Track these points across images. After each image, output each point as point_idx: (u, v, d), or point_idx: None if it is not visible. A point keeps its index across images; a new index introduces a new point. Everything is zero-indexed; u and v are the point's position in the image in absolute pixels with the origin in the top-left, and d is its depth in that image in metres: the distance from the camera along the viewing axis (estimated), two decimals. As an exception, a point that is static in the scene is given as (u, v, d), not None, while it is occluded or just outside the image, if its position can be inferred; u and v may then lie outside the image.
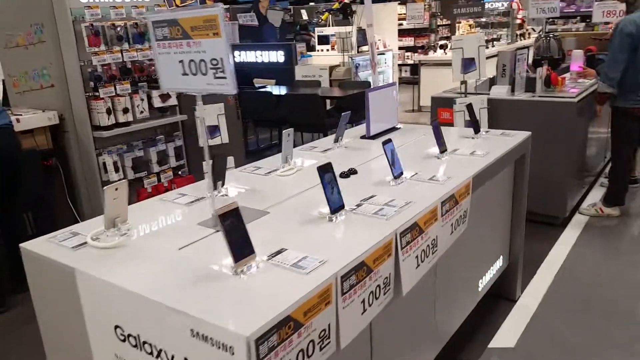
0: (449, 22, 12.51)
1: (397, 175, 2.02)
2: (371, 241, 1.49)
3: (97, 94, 3.60)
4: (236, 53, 8.91)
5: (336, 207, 1.68)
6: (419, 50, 12.16)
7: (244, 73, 6.82)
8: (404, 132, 3.00)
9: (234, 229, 1.34)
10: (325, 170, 1.67)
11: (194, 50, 1.50)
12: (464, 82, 3.94)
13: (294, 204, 1.89)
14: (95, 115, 3.65)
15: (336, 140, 2.69)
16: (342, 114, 2.61)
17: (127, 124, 3.80)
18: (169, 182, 4.16)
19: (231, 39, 9.24)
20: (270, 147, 7.04)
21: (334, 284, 1.31)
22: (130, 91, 3.78)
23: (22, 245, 1.62)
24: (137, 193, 3.96)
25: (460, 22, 10.21)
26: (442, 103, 4.16)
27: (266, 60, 8.61)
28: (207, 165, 1.71)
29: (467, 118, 2.91)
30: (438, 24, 12.52)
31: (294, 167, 2.31)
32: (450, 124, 3.92)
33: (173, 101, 4.13)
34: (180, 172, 4.24)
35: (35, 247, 1.60)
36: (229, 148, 4.40)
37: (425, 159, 2.38)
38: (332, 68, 8.05)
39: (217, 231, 1.62)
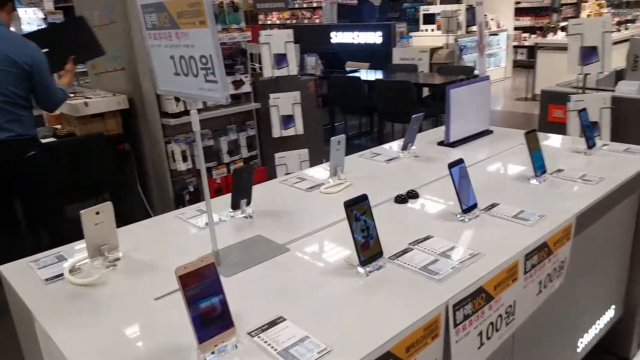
0: (574, 0, 11.07)
1: (467, 209, 1.53)
2: (406, 320, 1.05)
3: (164, 79, 3.41)
4: (332, 34, 8.53)
5: (367, 257, 1.25)
6: (538, 32, 10.92)
7: (334, 55, 6.42)
8: (495, 138, 2.44)
9: (203, 294, 0.97)
10: (353, 205, 1.24)
11: (183, 43, 1.14)
12: (582, 76, 3.22)
13: (322, 238, 1.48)
14: (164, 102, 3.48)
15: (405, 148, 2.21)
16: (413, 116, 2.13)
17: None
18: (238, 174, 3.92)
19: (329, 18, 8.88)
20: (359, 136, 6.63)
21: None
22: (199, 76, 3.55)
23: (1, 267, 1.39)
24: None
25: (587, 1, 8.92)
26: (554, 98, 3.48)
27: (362, 42, 8.14)
28: (205, 195, 1.33)
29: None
30: (562, 2, 11.15)
31: (344, 181, 1.89)
32: (563, 126, 3.24)
33: (246, 88, 3.86)
34: (252, 163, 3.99)
35: (10, 271, 1.37)
36: (304, 140, 4.09)
37: (514, 183, 1.84)
38: (433, 50, 7.39)
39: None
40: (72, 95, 3.64)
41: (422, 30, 9.32)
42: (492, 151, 2.21)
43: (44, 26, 5.37)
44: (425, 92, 6.06)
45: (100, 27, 3.62)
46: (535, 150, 1.82)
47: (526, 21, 12.02)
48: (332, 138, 1.88)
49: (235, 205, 1.64)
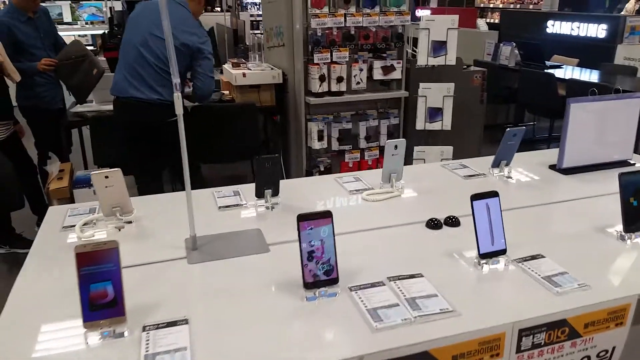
0: None
1: (487, 254, 1.24)
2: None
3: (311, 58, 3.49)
4: (549, 23, 7.59)
5: (312, 282, 1.12)
6: None
7: (535, 47, 5.72)
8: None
9: (97, 278, 1.00)
10: (308, 220, 1.11)
11: None
12: None
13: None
14: (310, 80, 3.58)
15: (496, 165, 1.87)
16: (507, 129, 1.78)
17: (339, 93, 3.61)
18: (374, 161, 3.85)
19: (549, 6, 7.92)
20: (548, 140, 5.84)
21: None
22: (347, 59, 3.54)
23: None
24: (339, 165, 3.81)
25: None
26: None
27: (582, 35, 7.07)
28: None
29: None
30: None
31: (394, 190, 1.71)
32: None
33: (396, 75, 3.71)
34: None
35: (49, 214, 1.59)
36: (454, 136, 3.78)
37: (588, 239, 1.42)
38: (670, 52, 6.03)
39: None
40: (241, 64, 4.01)
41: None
42: (608, 188, 1.73)
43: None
44: None
45: (271, 2, 3.86)
46: None
47: None
48: (387, 142, 1.70)
49: (259, 194, 1.62)
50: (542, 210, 1.59)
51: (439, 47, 3.53)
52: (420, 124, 3.68)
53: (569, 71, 5.43)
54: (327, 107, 3.64)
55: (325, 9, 3.42)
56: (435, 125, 3.70)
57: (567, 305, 1.09)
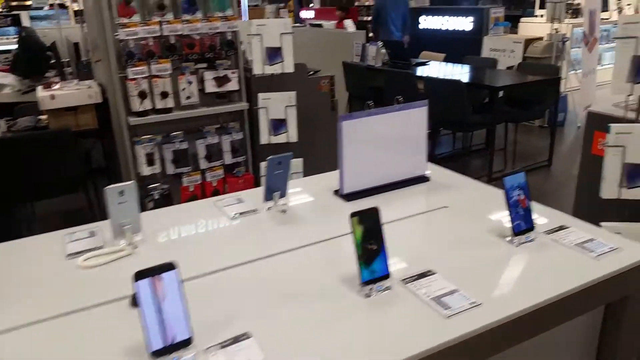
0: None
1: (159, 352, 0.92)
2: None
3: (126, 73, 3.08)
4: (422, 18, 7.62)
5: None
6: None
7: (397, 45, 5.62)
8: (429, 190, 1.69)
9: None
10: None
11: None
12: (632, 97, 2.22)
13: None
14: (129, 98, 3.16)
15: (269, 198, 1.57)
16: (269, 158, 1.48)
17: (166, 110, 3.22)
18: (220, 182, 3.49)
19: (421, 1, 7.97)
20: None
21: None
22: (171, 72, 3.15)
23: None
24: (180, 192, 3.41)
25: None
26: (603, 123, 2.50)
27: (451, 28, 7.14)
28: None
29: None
30: None
31: (125, 248, 1.35)
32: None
33: (233, 86, 3.38)
34: (235, 171, 3.53)
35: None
36: (306, 147, 3.50)
37: (329, 299, 1.14)
38: (529, 42, 6.20)
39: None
40: (53, 84, 3.50)
41: (535, 16, 8.01)
42: (396, 213, 1.48)
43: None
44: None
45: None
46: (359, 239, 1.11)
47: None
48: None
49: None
50: (297, 255, 1.30)
51: (274, 54, 3.23)
52: (264, 137, 3.37)
53: (433, 68, 5.37)
54: (154, 127, 3.23)
55: (137, 18, 3.02)
56: (281, 138, 3.41)
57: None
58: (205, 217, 1.53)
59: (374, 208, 1.13)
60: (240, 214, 1.52)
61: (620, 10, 8.12)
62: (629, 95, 2.18)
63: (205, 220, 1.50)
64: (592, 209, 2.44)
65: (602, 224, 2.29)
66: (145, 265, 0.93)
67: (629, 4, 8.15)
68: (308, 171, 3.07)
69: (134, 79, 3.07)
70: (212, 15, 3.20)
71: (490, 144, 4.51)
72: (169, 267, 0.94)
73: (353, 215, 1.09)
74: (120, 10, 2.97)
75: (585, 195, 2.89)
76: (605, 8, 7.40)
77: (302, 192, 1.72)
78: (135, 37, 3.01)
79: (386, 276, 1.12)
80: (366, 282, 1.10)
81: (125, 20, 2.97)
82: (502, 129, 4.78)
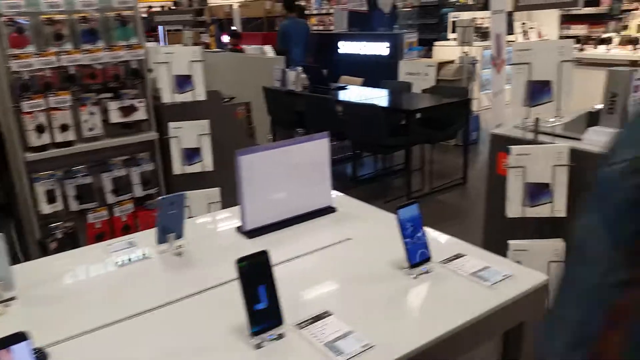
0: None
1: None
2: None
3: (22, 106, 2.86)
4: (340, 44, 7.78)
5: None
6: (590, 42, 9.57)
7: (317, 70, 5.68)
8: (337, 220, 1.65)
9: None
10: None
11: None
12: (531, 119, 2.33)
13: None
14: (25, 132, 2.93)
15: (163, 240, 1.47)
16: (159, 198, 1.40)
17: (67, 144, 3.02)
18: (130, 216, 3.31)
19: (340, 26, 8.14)
20: (339, 161, 5.78)
21: None
22: (71, 103, 2.97)
23: None
24: (86, 229, 3.19)
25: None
26: (505, 144, 2.59)
27: (369, 53, 7.33)
28: None
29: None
30: (623, 8, 9.71)
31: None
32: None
33: (140, 115, 3.24)
34: (146, 204, 3.36)
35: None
36: (225, 176, 3.40)
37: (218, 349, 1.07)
38: (441, 65, 6.47)
39: None
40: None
41: (448, 39, 8.41)
42: (294, 250, 1.43)
43: None
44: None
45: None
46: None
47: (580, 30, 10.62)
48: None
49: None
50: (193, 302, 1.21)
51: (183, 81, 3.12)
52: (178, 167, 3.23)
53: (352, 92, 5.46)
54: (54, 162, 3.02)
55: (31, 48, 2.82)
56: (195, 167, 3.28)
57: None
58: (90, 265, 1.40)
59: (264, 251, 1.07)
60: (130, 260, 1.41)
61: (525, 33, 8.70)
62: (526, 118, 2.29)
63: (89, 270, 1.38)
64: (502, 225, 2.51)
65: (510, 242, 2.37)
66: (15, 327, 0.82)
67: (531, 28, 8.76)
68: (226, 200, 3.00)
69: (30, 113, 2.86)
70: (114, 45, 3.06)
71: (407, 164, 4.60)
72: (20, 337, 0.83)
73: (239, 261, 1.03)
74: (11, 41, 2.77)
75: (494, 214, 2.99)
76: (510, 31, 7.89)
77: (203, 229, 1.64)
78: (29, 68, 2.81)
79: (278, 323, 1.06)
80: (256, 333, 1.03)
81: (17, 52, 2.77)
82: (419, 149, 4.91)
